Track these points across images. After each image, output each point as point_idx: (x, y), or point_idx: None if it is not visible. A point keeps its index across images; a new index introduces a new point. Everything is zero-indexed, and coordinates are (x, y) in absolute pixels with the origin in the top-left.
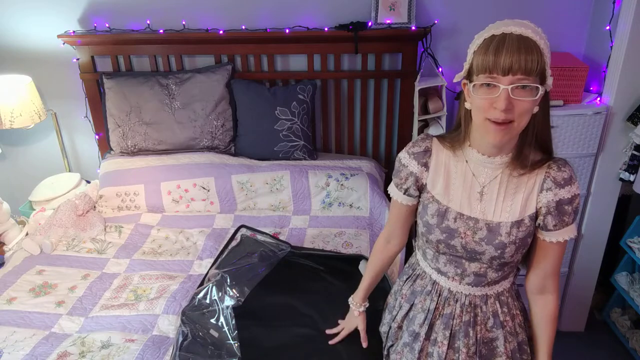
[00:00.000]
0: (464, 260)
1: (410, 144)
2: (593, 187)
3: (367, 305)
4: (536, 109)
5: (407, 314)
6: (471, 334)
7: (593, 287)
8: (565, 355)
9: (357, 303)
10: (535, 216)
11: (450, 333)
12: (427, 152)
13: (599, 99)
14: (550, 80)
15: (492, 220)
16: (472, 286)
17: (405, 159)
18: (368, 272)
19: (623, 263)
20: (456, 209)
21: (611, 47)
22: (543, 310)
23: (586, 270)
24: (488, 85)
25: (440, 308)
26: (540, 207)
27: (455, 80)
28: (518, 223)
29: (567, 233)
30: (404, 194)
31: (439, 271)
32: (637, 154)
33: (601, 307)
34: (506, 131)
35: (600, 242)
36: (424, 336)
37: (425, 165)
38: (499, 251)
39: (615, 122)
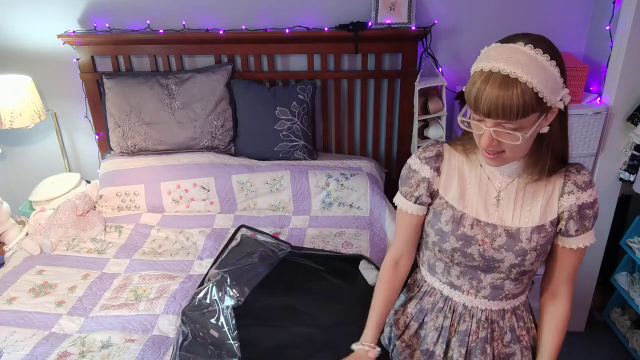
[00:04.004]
0: (479, 272)
1: (420, 149)
2: None
3: (380, 350)
4: (546, 129)
5: (416, 332)
6: (488, 351)
7: (593, 287)
8: (565, 356)
9: (367, 344)
10: (556, 222)
11: (466, 350)
12: (439, 156)
13: (599, 99)
14: (565, 100)
15: (511, 226)
16: (489, 300)
17: (415, 164)
18: (377, 305)
19: (623, 263)
20: (472, 215)
21: (611, 47)
22: (553, 315)
23: (586, 270)
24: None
25: (456, 324)
26: (562, 212)
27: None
28: (539, 228)
29: (588, 239)
30: (415, 202)
31: (452, 285)
32: (637, 154)
33: (601, 307)
34: (498, 160)
35: (600, 242)
36: (441, 355)
37: (438, 170)
38: (519, 258)
39: (615, 122)
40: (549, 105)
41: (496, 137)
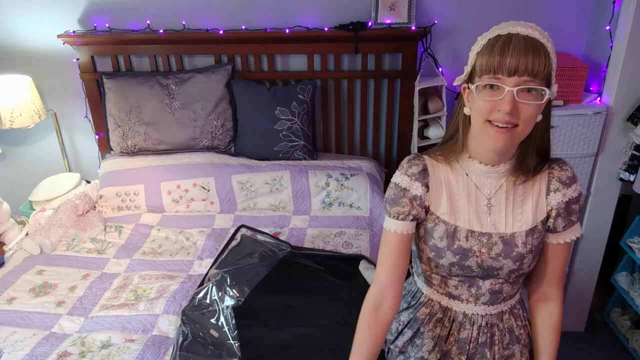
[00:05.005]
0: (477, 279)
1: (405, 166)
2: (593, 187)
3: None
4: (539, 117)
5: (410, 340)
6: (488, 355)
7: (593, 287)
8: (565, 356)
9: None
10: (545, 220)
11: (467, 357)
12: (425, 170)
13: (599, 99)
14: (555, 88)
15: (506, 233)
16: (488, 305)
17: (404, 182)
18: (358, 354)
19: (623, 263)
20: (465, 226)
21: (611, 47)
22: (546, 319)
23: (586, 270)
24: (492, 86)
25: (456, 334)
26: (551, 210)
27: (455, 84)
28: (532, 230)
29: (574, 232)
30: (412, 220)
31: (450, 295)
32: (637, 154)
33: (601, 307)
34: (508, 136)
35: (600, 242)
36: None
37: (427, 186)
38: (517, 263)
39: (615, 122)
40: (551, 83)
41: (518, 99)
